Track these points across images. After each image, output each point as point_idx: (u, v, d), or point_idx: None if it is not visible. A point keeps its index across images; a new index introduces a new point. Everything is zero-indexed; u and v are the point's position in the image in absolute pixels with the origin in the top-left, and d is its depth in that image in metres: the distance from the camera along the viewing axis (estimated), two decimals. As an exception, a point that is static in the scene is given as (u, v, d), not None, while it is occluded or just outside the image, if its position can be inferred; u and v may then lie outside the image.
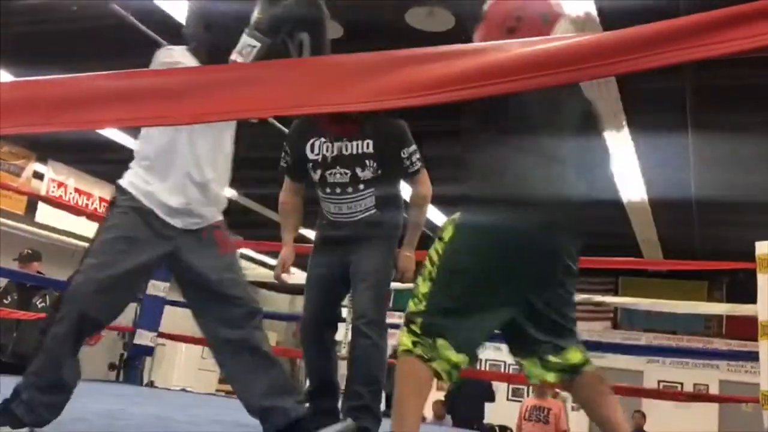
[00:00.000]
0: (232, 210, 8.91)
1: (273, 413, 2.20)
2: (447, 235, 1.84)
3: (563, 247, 1.88)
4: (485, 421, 8.29)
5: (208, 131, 2.26)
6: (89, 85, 0.79)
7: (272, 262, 13.79)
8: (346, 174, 2.69)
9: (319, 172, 2.73)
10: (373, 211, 2.72)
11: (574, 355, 1.90)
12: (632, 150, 6.44)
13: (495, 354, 11.86)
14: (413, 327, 1.78)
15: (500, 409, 8.49)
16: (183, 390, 8.49)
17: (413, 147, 2.69)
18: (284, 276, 2.98)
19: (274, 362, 2.30)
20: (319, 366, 2.85)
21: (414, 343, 1.76)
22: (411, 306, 1.83)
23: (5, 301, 5.48)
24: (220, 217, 2.38)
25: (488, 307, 1.81)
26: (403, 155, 2.67)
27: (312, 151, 2.73)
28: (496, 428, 8.90)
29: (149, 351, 5.53)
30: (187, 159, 2.21)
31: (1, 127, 0.81)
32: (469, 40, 1.97)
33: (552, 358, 1.89)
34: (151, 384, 7.77)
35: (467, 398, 7.80)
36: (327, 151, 2.70)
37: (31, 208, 8.43)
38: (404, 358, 1.77)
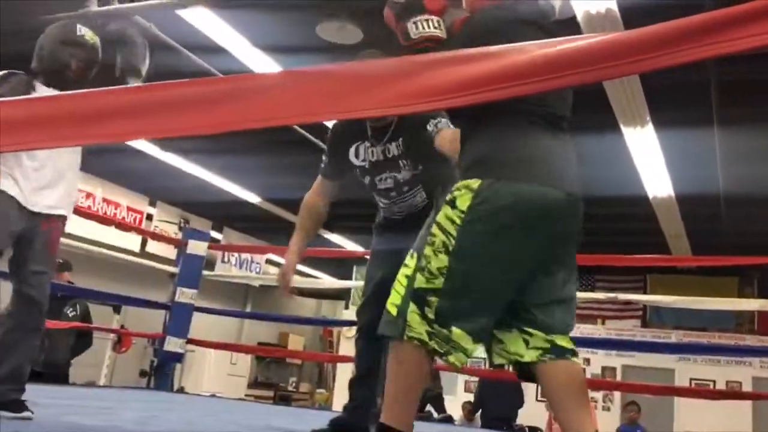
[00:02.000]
0: (259, 216, 9.05)
1: None
2: (463, 203, 1.63)
3: (576, 214, 1.73)
4: (516, 421, 8.23)
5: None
6: (117, 98, 0.81)
7: (298, 267, 13.85)
8: (390, 180, 2.68)
9: (368, 178, 2.73)
10: (422, 207, 2.68)
11: (563, 340, 1.72)
12: (657, 145, 6.37)
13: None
14: (427, 311, 1.61)
15: (530, 409, 8.42)
16: (213, 395, 8.55)
17: (437, 117, 2.48)
18: (289, 290, 2.81)
19: None
20: (366, 359, 2.79)
21: (429, 334, 1.61)
22: (421, 280, 1.63)
23: (37, 312, 5.58)
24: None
25: (509, 288, 1.66)
26: (429, 128, 2.47)
27: (357, 156, 2.70)
28: (526, 429, 8.84)
29: (179, 357, 5.59)
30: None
31: (37, 140, 0.83)
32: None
33: (538, 333, 1.69)
34: (181, 390, 7.86)
35: (497, 398, 7.77)
36: (372, 156, 2.67)
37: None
38: (411, 347, 1.63)
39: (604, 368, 11.47)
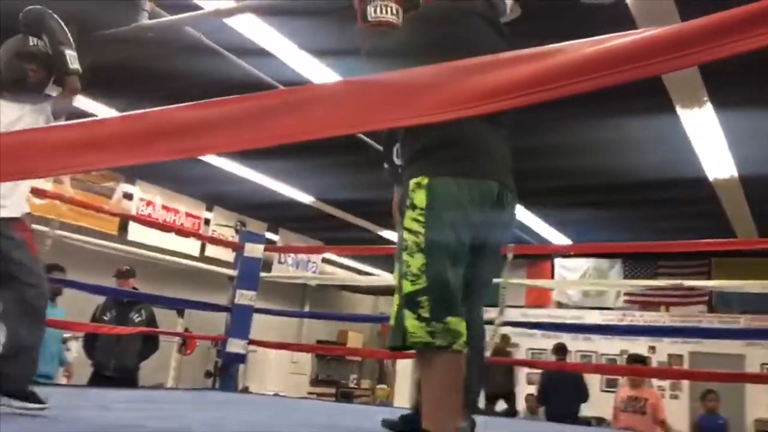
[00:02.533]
0: (313, 215, 9.11)
1: None
2: (420, 201, 1.77)
3: (514, 210, 1.93)
4: (580, 414, 8.12)
5: None
6: (180, 115, 0.84)
7: (354, 265, 13.97)
8: None
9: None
10: None
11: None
12: (717, 126, 6.18)
13: (586, 345, 11.64)
14: (422, 312, 1.68)
15: (595, 401, 8.30)
16: (276, 395, 8.69)
17: None
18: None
19: None
20: None
21: (431, 334, 1.67)
22: (408, 285, 1.73)
23: (105, 318, 5.77)
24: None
25: (465, 268, 1.81)
26: None
27: (398, 156, 2.76)
28: (592, 420, 8.71)
29: (242, 358, 5.69)
30: None
31: (111, 159, 0.87)
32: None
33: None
34: (246, 390, 8.01)
35: (561, 392, 7.68)
36: None
37: (123, 227, 8.83)
38: (428, 354, 1.70)
39: (670, 356, 11.20)
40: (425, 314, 1.68)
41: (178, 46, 5.11)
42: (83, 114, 6.65)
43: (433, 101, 0.73)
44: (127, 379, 5.70)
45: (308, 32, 5.15)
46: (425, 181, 1.77)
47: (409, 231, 1.76)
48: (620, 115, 5.96)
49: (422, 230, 1.74)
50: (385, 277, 12.85)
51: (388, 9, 1.91)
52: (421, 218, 1.75)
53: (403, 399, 13.25)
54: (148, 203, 9.20)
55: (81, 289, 5.18)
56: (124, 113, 0.94)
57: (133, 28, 4.72)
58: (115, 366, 5.65)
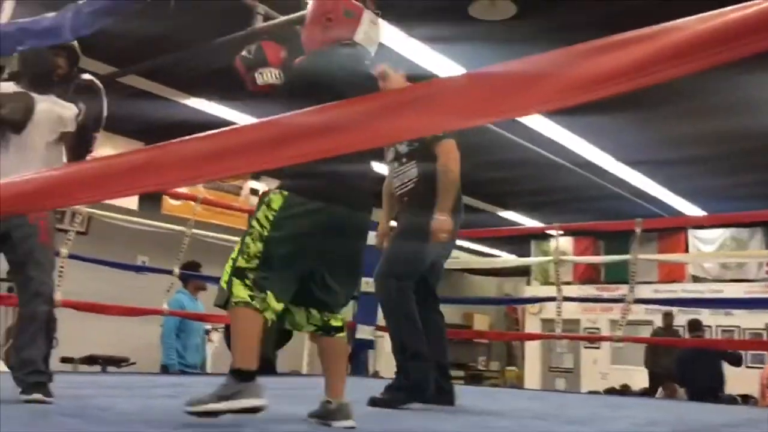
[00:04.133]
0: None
1: None
2: (276, 204, 2.21)
3: (362, 227, 2.36)
4: (725, 391, 7.71)
5: None
6: (306, 119, 0.90)
7: (475, 247, 13.90)
8: (393, 151, 3.29)
9: (385, 150, 3.35)
10: (414, 183, 3.20)
11: (335, 321, 2.36)
12: None
13: (727, 320, 10.99)
14: (247, 282, 2.15)
15: (740, 377, 7.86)
16: (406, 378, 8.80)
17: None
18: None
19: None
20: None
21: (251, 297, 2.14)
22: (241, 261, 2.19)
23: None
24: None
25: (299, 268, 2.24)
26: None
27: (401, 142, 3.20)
28: (738, 398, 8.24)
29: (371, 344, 5.84)
30: None
31: (244, 165, 0.95)
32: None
33: (315, 314, 2.34)
34: (376, 374, 8.20)
35: (698, 371, 7.32)
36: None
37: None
38: (242, 308, 2.14)
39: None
40: (249, 284, 2.16)
41: (291, 46, 5.26)
42: (214, 120, 7.02)
43: (553, 88, 0.73)
44: (265, 367, 5.99)
45: (413, 16, 5.16)
46: (286, 193, 2.22)
47: (258, 222, 2.21)
48: (753, 74, 5.57)
49: (268, 226, 2.19)
50: (508, 258, 12.72)
51: (272, 74, 2.36)
52: (271, 217, 2.19)
53: (533, 380, 13.10)
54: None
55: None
56: (252, 122, 1.01)
57: (249, 32, 4.91)
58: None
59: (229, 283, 2.18)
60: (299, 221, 2.19)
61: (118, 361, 7.87)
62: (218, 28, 4.35)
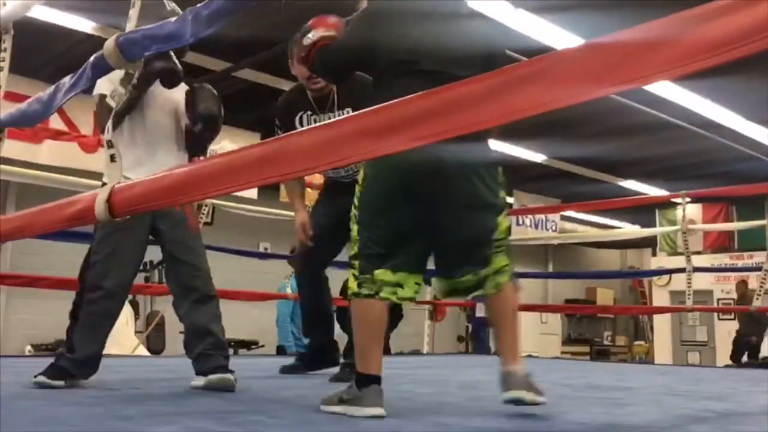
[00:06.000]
0: (549, 173, 8.94)
1: None
2: (360, 177, 2.04)
3: (460, 172, 1.97)
4: None
5: None
6: (417, 104, 0.90)
7: (595, 219, 13.48)
8: None
9: None
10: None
11: (486, 270, 2.03)
12: None
13: None
14: (354, 271, 2.01)
15: None
16: (529, 356, 8.74)
17: None
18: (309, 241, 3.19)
19: None
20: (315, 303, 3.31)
21: (359, 285, 1.98)
22: (349, 251, 2.07)
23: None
24: None
25: (407, 233, 1.99)
26: None
27: (300, 124, 3.09)
28: None
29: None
30: None
31: (359, 153, 0.97)
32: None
33: (464, 274, 2.03)
34: (497, 353, 8.16)
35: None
36: (314, 123, 3.03)
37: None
38: (354, 301, 2.00)
39: None
40: (356, 272, 2.00)
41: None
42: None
43: (668, 56, 0.69)
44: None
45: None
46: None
47: (354, 204, 2.05)
48: None
49: (358, 204, 2.04)
50: (631, 230, 12.25)
51: (317, 33, 2.22)
52: (359, 194, 2.04)
53: (663, 355, 12.59)
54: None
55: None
56: (366, 109, 1.03)
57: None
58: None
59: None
60: (382, 180, 1.98)
61: (248, 344, 8.27)
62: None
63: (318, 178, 9.28)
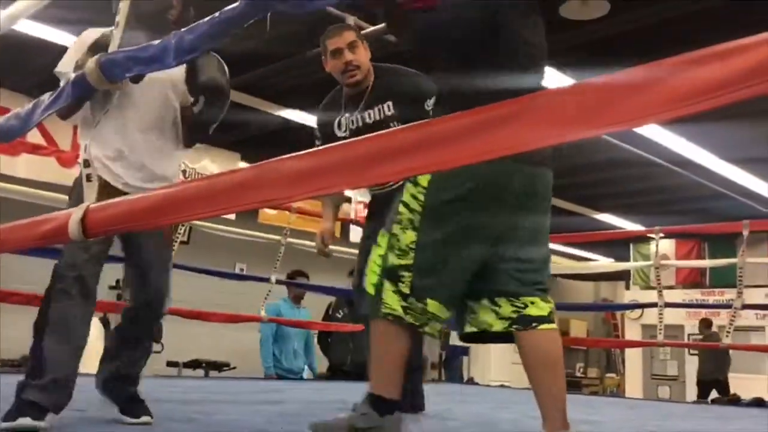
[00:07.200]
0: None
1: None
2: (424, 180, 1.73)
3: (535, 183, 1.77)
4: None
5: None
6: (399, 136, 0.91)
7: (570, 251, 13.57)
8: None
9: None
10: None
11: (535, 308, 1.76)
12: None
13: None
14: (402, 287, 1.70)
15: None
16: (502, 386, 8.72)
17: (431, 95, 2.37)
18: (327, 249, 2.98)
19: None
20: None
21: (404, 309, 1.71)
22: (393, 259, 1.73)
23: (338, 316, 6.19)
24: None
25: (471, 255, 1.72)
26: (427, 107, 2.50)
27: (339, 128, 2.81)
28: None
29: (465, 350, 5.82)
30: None
31: (338, 184, 0.97)
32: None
33: (505, 304, 1.76)
34: (471, 381, 8.13)
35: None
36: (352, 124, 2.76)
37: (345, 230, 9.38)
38: (391, 324, 1.73)
39: None
40: (405, 290, 1.71)
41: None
42: (310, 129, 7.18)
43: (655, 99, 0.70)
44: (362, 373, 6.08)
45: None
46: None
47: (406, 205, 1.76)
48: None
49: (419, 208, 1.73)
50: (605, 263, 12.34)
51: None
52: (420, 196, 1.74)
53: (634, 388, 12.63)
54: (366, 205, 9.66)
55: (319, 292, 5.62)
56: (354, 139, 1.03)
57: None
58: (352, 361, 6.02)
59: (379, 287, 1.75)
60: (460, 187, 1.69)
61: (220, 366, 8.16)
62: (310, 40, 4.45)
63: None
